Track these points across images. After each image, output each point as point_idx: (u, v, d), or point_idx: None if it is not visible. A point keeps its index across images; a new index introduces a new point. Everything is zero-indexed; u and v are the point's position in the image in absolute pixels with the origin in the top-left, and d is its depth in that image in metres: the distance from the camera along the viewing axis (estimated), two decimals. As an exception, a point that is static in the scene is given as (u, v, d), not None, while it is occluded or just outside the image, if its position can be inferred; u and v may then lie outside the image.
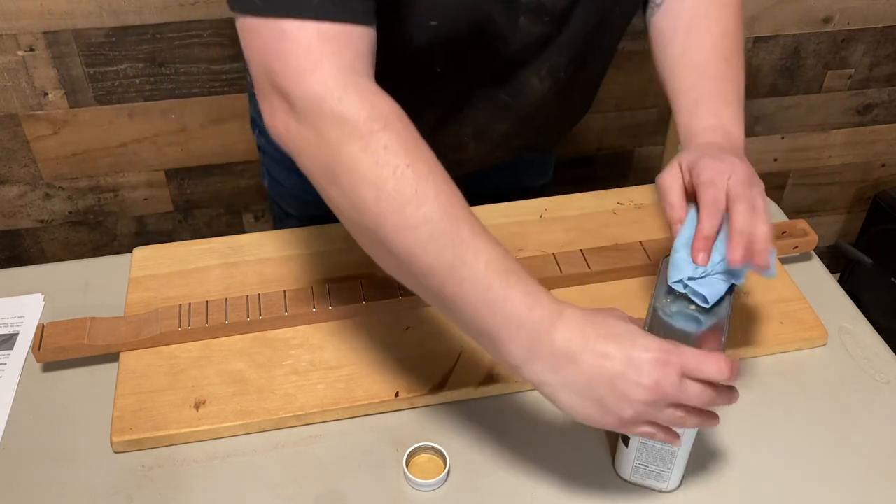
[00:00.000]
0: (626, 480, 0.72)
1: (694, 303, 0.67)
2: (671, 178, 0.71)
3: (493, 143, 0.92)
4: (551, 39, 0.80)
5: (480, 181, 1.01)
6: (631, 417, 0.60)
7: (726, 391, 0.62)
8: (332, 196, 0.62)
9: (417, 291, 0.63)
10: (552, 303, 0.60)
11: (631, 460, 0.70)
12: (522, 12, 0.75)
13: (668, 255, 0.70)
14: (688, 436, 0.67)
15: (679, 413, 0.61)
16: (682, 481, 0.72)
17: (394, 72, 0.70)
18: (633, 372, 0.58)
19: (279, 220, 1.11)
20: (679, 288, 0.67)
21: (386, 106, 0.60)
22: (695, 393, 0.60)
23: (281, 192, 1.06)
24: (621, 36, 0.89)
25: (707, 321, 0.66)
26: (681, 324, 0.66)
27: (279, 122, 0.62)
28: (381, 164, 0.58)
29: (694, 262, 0.67)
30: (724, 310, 0.67)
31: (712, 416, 0.63)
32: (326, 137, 0.59)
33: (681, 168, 0.72)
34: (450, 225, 0.58)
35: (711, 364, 0.59)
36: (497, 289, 0.58)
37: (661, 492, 0.71)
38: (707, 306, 0.66)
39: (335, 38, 0.60)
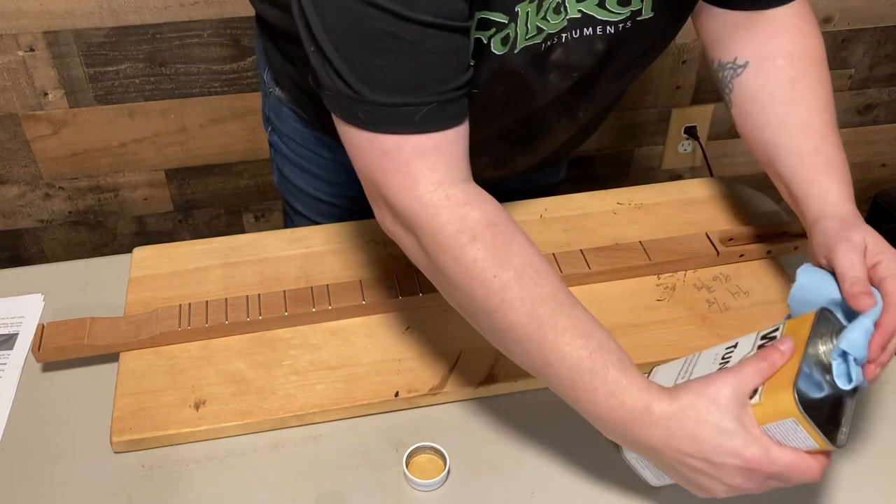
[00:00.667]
0: (625, 460, 0.70)
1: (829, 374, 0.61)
2: (856, 257, 0.66)
3: (508, 167, 0.94)
4: (578, 92, 0.81)
5: (494, 187, 1.02)
6: (723, 498, 0.62)
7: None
8: (438, 288, 0.68)
9: None
10: (636, 402, 0.61)
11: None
12: (553, 70, 0.76)
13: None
14: None
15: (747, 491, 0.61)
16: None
17: None
18: (714, 471, 0.60)
19: (288, 217, 1.12)
20: (838, 358, 0.61)
21: (476, 214, 0.64)
22: (776, 485, 0.60)
23: (291, 190, 1.07)
24: (638, 77, 0.88)
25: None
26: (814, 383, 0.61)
27: (387, 222, 0.68)
28: (470, 276, 0.63)
29: (869, 352, 0.61)
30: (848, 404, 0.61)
31: None
32: (425, 247, 0.65)
33: (854, 244, 0.67)
34: (535, 330, 0.62)
35: (803, 473, 0.59)
36: (581, 391, 0.62)
37: (652, 486, 0.70)
38: (846, 388, 0.60)
39: (431, 152, 0.63)
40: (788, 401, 0.57)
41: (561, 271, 0.87)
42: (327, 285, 0.86)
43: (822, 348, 0.61)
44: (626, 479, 0.72)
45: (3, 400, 0.79)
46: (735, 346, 0.66)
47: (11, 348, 0.85)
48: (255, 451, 0.74)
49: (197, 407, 0.76)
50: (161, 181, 1.61)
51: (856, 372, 0.60)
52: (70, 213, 1.62)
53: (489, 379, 0.78)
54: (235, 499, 0.71)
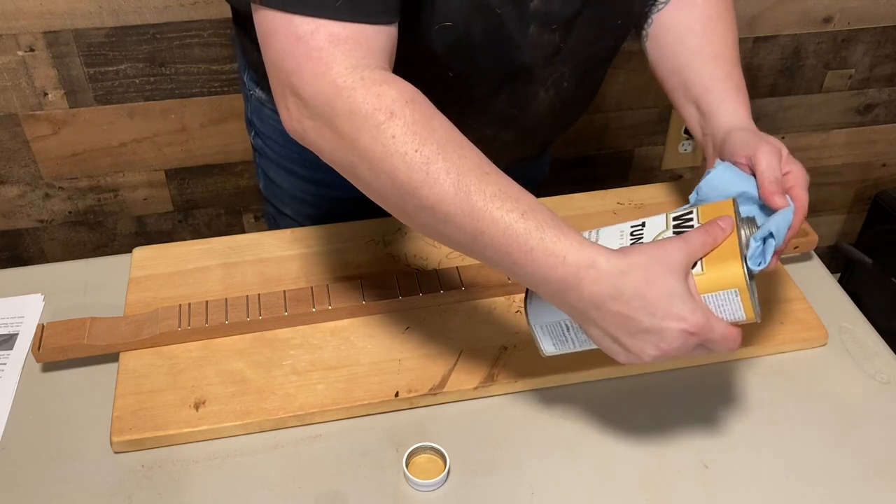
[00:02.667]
0: (528, 325, 0.70)
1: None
2: (776, 161, 0.73)
3: (494, 151, 0.93)
4: (558, 50, 0.82)
5: None
6: (646, 362, 0.63)
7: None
8: (360, 184, 0.65)
9: (455, 249, 0.67)
10: (579, 257, 0.61)
11: (559, 315, 0.68)
12: (532, 20, 0.77)
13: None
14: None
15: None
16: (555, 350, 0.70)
17: (407, 74, 0.70)
18: (655, 336, 0.61)
19: (273, 220, 1.12)
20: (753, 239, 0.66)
21: (393, 92, 0.62)
22: (702, 352, 0.64)
23: (276, 193, 1.07)
24: (620, 46, 0.89)
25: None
26: None
27: (295, 121, 0.66)
28: (390, 154, 0.61)
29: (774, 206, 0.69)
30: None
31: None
32: (341, 132, 0.62)
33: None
34: (463, 199, 0.61)
35: (727, 342, 0.62)
36: (517, 254, 0.61)
37: (544, 355, 0.70)
38: (757, 269, 0.65)
39: (347, 39, 0.62)
40: (737, 271, 0.61)
41: (561, 271, 0.87)
42: (327, 285, 0.86)
43: (742, 233, 0.65)
44: (627, 480, 0.72)
45: (3, 400, 0.79)
46: (643, 226, 0.68)
47: (11, 348, 0.85)
48: (255, 451, 0.74)
49: (197, 407, 0.76)
50: (161, 181, 1.61)
51: (768, 256, 0.65)
52: (70, 213, 1.62)
53: (489, 379, 0.78)
54: (235, 499, 0.71)
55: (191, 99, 1.50)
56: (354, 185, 0.66)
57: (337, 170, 0.66)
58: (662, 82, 0.87)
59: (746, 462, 0.74)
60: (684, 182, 1.03)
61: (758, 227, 0.66)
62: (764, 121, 1.77)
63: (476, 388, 0.78)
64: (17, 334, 0.86)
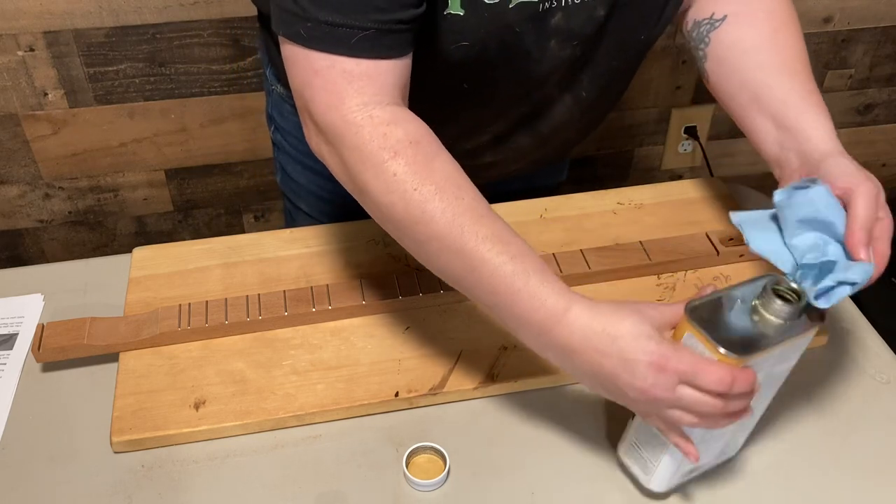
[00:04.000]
0: (619, 457, 0.71)
1: (783, 302, 0.61)
2: (872, 205, 0.68)
3: (510, 156, 0.94)
4: (579, 63, 0.81)
5: (496, 186, 1.02)
6: (637, 408, 0.63)
7: (736, 402, 0.60)
8: (366, 207, 0.69)
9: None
10: (558, 302, 0.62)
11: (628, 436, 0.69)
12: (553, 36, 0.77)
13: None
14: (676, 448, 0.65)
15: (686, 416, 0.60)
16: (668, 486, 0.69)
17: (421, 84, 0.71)
18: (627, 374, 0.60)
19: (290, 215, 1.12)
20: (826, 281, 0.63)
21: (399, 133, 0.65)
22: (692, 400, 0.59)
23: (294, 188, 1.07)
24: (642, 59, 0.89)
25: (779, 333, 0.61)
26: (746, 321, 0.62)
27: (312, 140, 0.71)
28: (391, 191, 0.64)
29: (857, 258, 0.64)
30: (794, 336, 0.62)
31: (726, 418, 0.61)
32: (347, 163, 0.67)
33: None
34: (457, 239, 0.63)
35: (710, 375, 0.58)
36: (503, 294, 0.63)
37: (645, 487, 0.69)
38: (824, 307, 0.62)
39: (361, 76, 0.66)
40: (683, 318, 0.61)
41: (561, 271, 0.87)
42: (327, 285, 0.86)
43: (749, 289, 0.63)
44: (627, 480, 0.72)
45: (3, 400, 0.79)
46: None
47: (11, 348, 0.85)
48: (255, 451, 0.74)
49: (197, 407, 0.76)
50: (161, 181, 1.61)
51: (833, 300, 0.62)
52: (70, 213, 1.62)
53: (489, 379, 0.78)
54: (235, 499, 0.71)
55: (191, 99, 1.50)
56: (362, 205, 0.70)
57: (346, 189, 0.70)
58: (729, 101, 0.82)
59: (746, 462, 0.74)
60: (684, 182, 1.03)
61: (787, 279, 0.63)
62: (764, 121, 1.77)
63: (476, 388, 0.78)
64: (17, 334, 0.86)
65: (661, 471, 0.68)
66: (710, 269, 0.90)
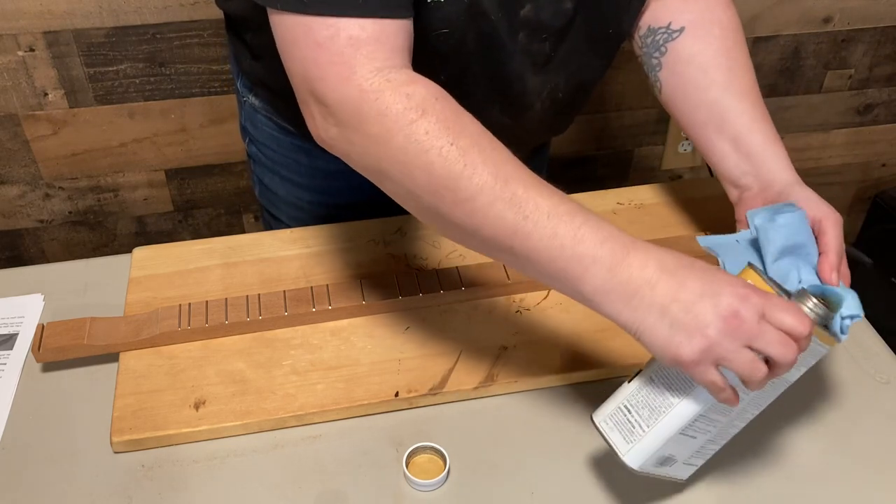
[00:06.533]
0: (596, 426, 0.65)
1: None
2: (841, 236, 0.74)
3: None
4: (550, 60, 0.82)
5: None
6: (703, 348, 0.57)
7: (798, 354, 0.59)
8: (389, 188, 0.65)
9: (488, 254, 0.65)
10: (624, 235, 0.60)
11: (617, 399, 0.65)
12: (521, 28, 0.77)
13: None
14: (675, 419, 0.62)
15: (756, 361, 0.57)
16: (643, 463, 0.63)
17: None
18: (710, 298, 0.57)
19: (269, 226, 1.12)
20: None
21: (422, 91, 0.62)
22: (775, 337, 0.57)
23: (271, 199, 1.06)
24: (614, 54, 0.89)
25: None
26: None
27: (321, 129, 0.66)
28: (426, 150, 0.60)
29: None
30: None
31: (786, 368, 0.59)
32: (371, 136, 0.62)
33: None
34: (503, 187, 0.60)
35: (795, 314, 0.57)
36: (565, 233, 0.60)
37: (622, 460, 0.63)
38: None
39: (368, 41, 0.62)
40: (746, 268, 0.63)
41: (561, 271, 0.87)
42: (327, 285, 0.86)
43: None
44: (626, 480, 0.72)
45: (3, 400, 0.79)
46: None
47: (11, 348, 0.85)
48: (255, 451, 0.74)
49: (197, 407, 0.76)
50: (161, 181, 1.61)
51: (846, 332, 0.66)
52: (70, 213, 1.62)
53: (489, 379, 0.78)
54: (235, 499, 0.71)
55: (191, 99, 1.50)
56: (383, 189, 0.66)
57: (366, 175, 0.66)
58: (682, 115, 0.85)
59: (746, 462, 0.74)
60: (684, 182, 1.04)
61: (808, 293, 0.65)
62: (764, 121, 1.77)
63: (476, 388, 0.78)
64: (17, 334, 0.86)
65: (649, 440, 0.63)
66: (710, 269, 0.90)
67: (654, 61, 0.85)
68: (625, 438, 0.64)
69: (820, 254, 0.72)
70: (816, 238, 0.73)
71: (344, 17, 0.62)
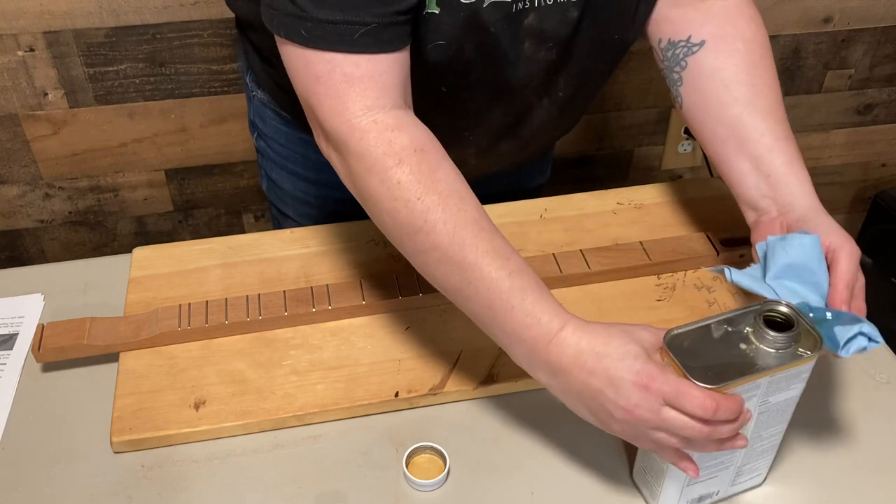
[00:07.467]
0: (631, 479, 0.72)
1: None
2: (855, 267, 0.72)
3: (492, 161, 0.94)
4: (555, 67, 0.81)
5: (479, 186, 1.02)
6: (621, 432, 0.62)
7: (722, 428, 0.59)
8: (367, 210, 0.69)
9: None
10: (552, 321, 0.63)
11: (637, 459, 0.70)
12: (526, 38, 0.77)
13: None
14: (675, 472, 0.65)
15: (671, 439, 0.60)
16: None
17: None
18: (612, 392, 0.60)
19: (277, 222, 1.12)
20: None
21: (404, 139, 0.65)
22: (676, 423, 0.59)
23: (279, 194, 1.07)
24: (619, 61, 0.89)
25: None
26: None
27: (322, 146, 0.71)
28: (394, 198, 0.65)
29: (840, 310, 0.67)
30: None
31: (714, 444, 0.61)
32: (353, 169, 0.67)
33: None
34: (457, 252, 0.64)
35: (694, 399, 0.58)
36: (498, 309, 0.64)
37: None
38: (844, 355, 0.64)
39: (362, 78, 0.66)
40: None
41: (561, 271, 0.87)
42: (327, 285, 0.86)
43: (739, 316, 0.64)
44: (626, 480, 0.72)
45: (3, 400, 0.79)
46: None
47: (11, 348, 0.85)
48: (255, 451, 0.74)
49: (197, 407, 0.76)
50: (161, 181, 1.61)
51: (852, 350, 0.64)
52: (70, 213, 1.62)
53: (489, 379, 0.78)
54: (235, 499, 0.71)
55: (191, 99, 1.50)
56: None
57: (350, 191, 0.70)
58: (702, 131, 0.82)
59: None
60: (684, 182, 1.04)
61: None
62: (764, 121, 1.77)
63: (476, 388, 0.78)
64: (17, 334, 0.86)
65: (665, 495, 0.67)
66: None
67: (675, 76, 0.83)
68: (651, 495, 0.69)
69: (830, 286, 0.69)
70: (829, 267, 0.70)
71: (340, 53, 0.65)
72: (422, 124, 0.68)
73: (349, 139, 0.66)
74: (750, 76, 0.79)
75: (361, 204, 0.69)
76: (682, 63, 0.82)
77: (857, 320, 0.65)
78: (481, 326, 0.67)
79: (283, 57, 0.69)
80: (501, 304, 0.63)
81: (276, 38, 0.68)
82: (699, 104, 0.81)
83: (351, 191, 0.70)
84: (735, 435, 0.61)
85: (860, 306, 0.70)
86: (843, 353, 0.64)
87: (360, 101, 0.65)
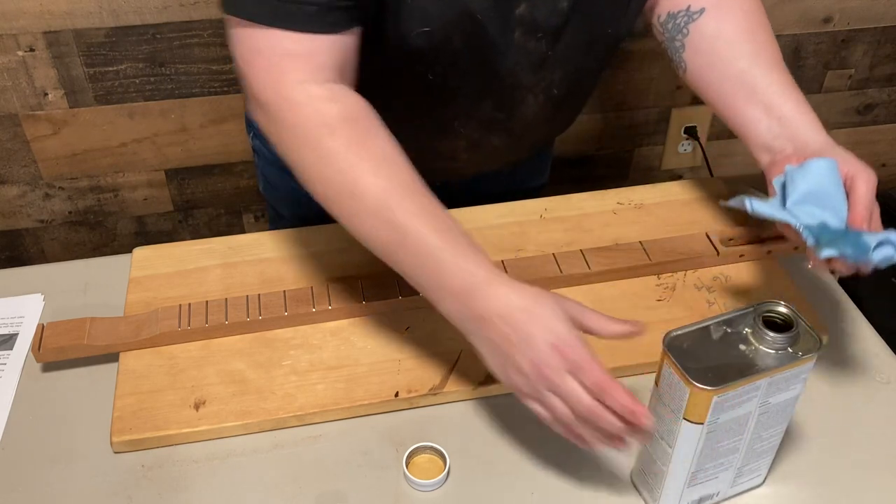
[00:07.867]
0: (630, 480, 0.72)
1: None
2: (872, 192, 0.74)
3: (485, 156, 0.94)
4: (546, 58, 0.81)
5: (477, 185, 1.02)
6: (520, 385, 0.64)
7: (608, 419, 0.61)
8: (301, 180, 0.71)
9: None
10: (482, 273, 0.65)
11: (636, 460, 0.70)
12: (517, 27, 0.77)
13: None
14: (678, 466, 0.65)
15: (560, 407, 0.62)
16: None
17: (388, 79, 0.71)
18: (526, 346, 0.62)
19: (273, 222, 1.12)
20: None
21: (336, 109, 0.68)
22: (572, 394, 0.61)
23: (274, 195, 1.07)
24: (613, 53, 0.89)
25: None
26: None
27: (257, 117, 0.73)
28: (326, 165, 0.68)
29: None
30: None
31: (595, 432, 0.63)
32: (285, 139, 0.70)
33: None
34: (386, 214, 0.66)
35: (592, 374, 0.60)
36: (429, 266, 0.66)
37: None
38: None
39: (300, 55, 0.69)
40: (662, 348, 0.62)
41: (561, 271, 0.87)
42: (327, 285, 0.86)
43: (738, 317, 0.64)
44: (626, 480, 0.72)
45: (3, 400, 0.79)
46: None
47: (11, 348, 0.85)
48: (255, 451, 0.74)
49: (197, 407, 0.76)
50: (161, 181, 1.61)
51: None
52: (70, 213, 1.62)
53: (489, 379, 0.78)
54: (235, 499, 0.71)
55: (191, 99, 1.50)
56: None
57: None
58: (708, 89, 0.84)
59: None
60: (684, 182, 1.04)
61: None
62: (764, 121, 1.77)
63: (476, 388, 0.78)
64: (17, 334, 0.86)
65: (666, 496, 0.68)
66: (710, 269, 0.90)
67: (677, 44, 0.85)
68: (651, 496, 0.69)
69: (849, 208, 0.72)
70: (847, 194, 0.72)
71: (282, 30, 0.67)
72: (357, 95, 0.70)
73: (282, 111, 0.68)
74: (751, 36, 0.82)
75: (294, 172, 0.71)
76: (684, 31, 0.84)
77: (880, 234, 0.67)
78: (414, 285, 0.69)
79: (228, 34, 0.71)
80: (431, 260, 0.65)
81: (225, 19, 0.70)
82: (704, 65, 0.83)
83: (285, 160, 0.71)
84: (619, 437, 0.62)
85: (877, 226, 0.73)
86: (873, 257, 0.67)
87: (294, 74, 0.68)
